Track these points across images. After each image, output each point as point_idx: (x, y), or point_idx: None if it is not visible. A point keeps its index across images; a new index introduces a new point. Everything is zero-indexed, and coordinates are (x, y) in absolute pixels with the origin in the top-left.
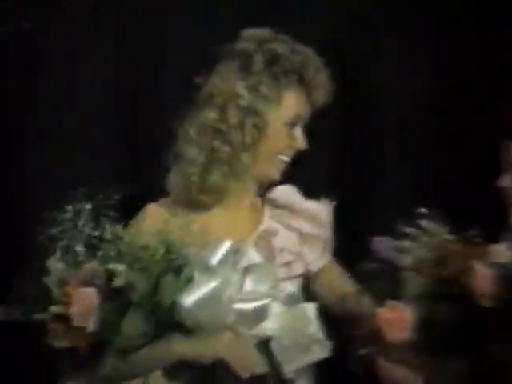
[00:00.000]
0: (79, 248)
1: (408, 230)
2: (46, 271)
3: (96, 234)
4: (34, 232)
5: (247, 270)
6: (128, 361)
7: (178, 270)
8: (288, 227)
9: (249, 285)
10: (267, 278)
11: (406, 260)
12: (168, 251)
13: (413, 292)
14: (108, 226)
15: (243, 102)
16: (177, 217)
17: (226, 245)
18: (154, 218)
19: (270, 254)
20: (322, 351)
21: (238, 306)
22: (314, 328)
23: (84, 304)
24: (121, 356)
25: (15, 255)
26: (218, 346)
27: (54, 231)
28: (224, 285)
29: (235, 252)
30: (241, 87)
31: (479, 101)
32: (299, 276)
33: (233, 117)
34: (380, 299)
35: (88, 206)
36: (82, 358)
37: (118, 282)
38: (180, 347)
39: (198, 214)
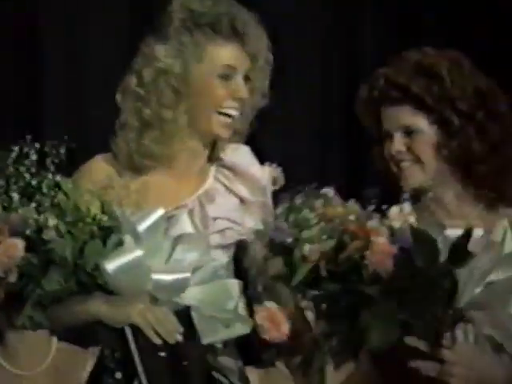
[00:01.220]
0: (15, 194)
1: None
2: None
3: (34, 182)
4: None
5: (178, 239)
6: (44, 313)
7: (106, 235)
8: (229, 190)
9: (178, 254)
10: (197, 248)
11: (303, 248)
12: (101, 212)
13: (300, 279)
14: (48, 176)
15: (159, 64)
16: (121, 176)
17: (159, 212)
18: (98, 172)
19: (203, 221)
20: (241, 328)
21: (158, 276)
22: (234, 304)
23: (7, 254)
24: (38, 309)
25: None
26: (132, 311)
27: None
28: (149, 253)
29: (168, 219)
30: (158, 49)
31: None
32: (240, 244)
33: (147, 79)
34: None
35: (33, 152)
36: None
37: (47, 236)
38: (96, 308)
39: (141, 176)
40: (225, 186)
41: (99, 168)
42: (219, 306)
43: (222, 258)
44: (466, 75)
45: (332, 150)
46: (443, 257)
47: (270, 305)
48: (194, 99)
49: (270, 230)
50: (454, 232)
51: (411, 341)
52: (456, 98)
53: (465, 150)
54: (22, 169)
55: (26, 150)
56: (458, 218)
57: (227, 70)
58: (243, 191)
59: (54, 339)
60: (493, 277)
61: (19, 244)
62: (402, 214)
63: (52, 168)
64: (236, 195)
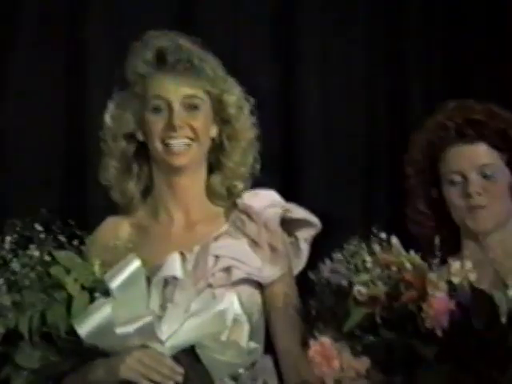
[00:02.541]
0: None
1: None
2: None
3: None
4: None
5: (167, 284)
6: None
7: (73, 297)
8: (242, 232)
9: (169, 298)
10: (188, 291)
11: (357, 290)
12: (87, 282)
13: (354, 322)
14: (22, 260)
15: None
16: (133, 226)
17: (135, 263)
18: (106, 233)
19: (202, 258)
20: (239, 357)
21: (121, 329)
22: (228, 334)
23: None
24: None
25: None
26: (121, 367)
27: None
28: (120, 308)
29: (155, 268)
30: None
31: None
32: (243, 283)
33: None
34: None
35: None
36: None
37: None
38: (94, 375)
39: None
40: (238, 228)
41: (103, 232)
42: (217, 338)
43: (229, 296)
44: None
45: (378, 191)
46: (504, 318)
47: (324, 340)
48: (146, 137)
49: (326, 272)
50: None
51: None
52: None
53: None
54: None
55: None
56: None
57: (158, 103)
58: (254, 233)
59: None
60: None
61: None
62: (463, 270)
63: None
64: (248, 236)
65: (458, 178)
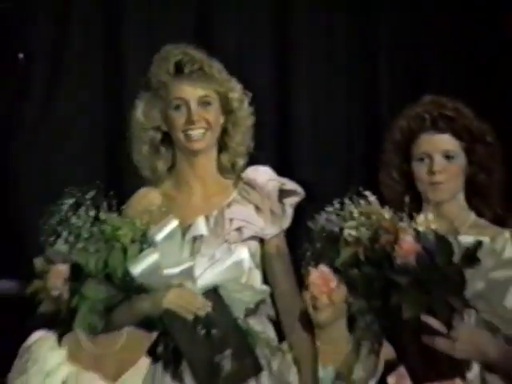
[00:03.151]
0: (64, 233)
1: (350, 210)
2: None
3: (76, 222)
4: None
5: (195, 240)
6: (105, 316)
7: (126, 249)
8: (248, 200)
9: (197, 250)
10: (211, 245)
11: (346, 234)
12: (135, 236)
13: (344, 259)
14: (90, 214)
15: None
16: (163, 197)
17: (172, 223)
18: (139, 201)
19: (219, 221)
20: (255, 296)
21: (167, 271)
22: (246, 278)
23: (58, 278)
24: (95, 314)
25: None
26: (164, 301)
27: (51, 221)
28: (163, 256)
29: (187, 227)
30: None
31: None
32: (251, 239)
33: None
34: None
35: (70, 202)
36: (63, 319)
37: (75, 255)
38: (140, 306)
39: (176, 196)
40: (244, 197)
41: (141, 200)
42: (236, 282)
43: (242, 250)
44: (479, 121)
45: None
46: (456, 259)
47: (323, 267)
48: (169, 129)
49: (321, 221)
50: (464, 238)
51: (428, 319)
52: (481, 134)
53: (482, 174)
54: (66, 213)
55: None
56: (460, 227)
57: (179, 102)
58: (257, 200)
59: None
60: (493, 276)
61: (65, 267)
62: (426, 221)
63: (104, 208)
64: (252, 203)
65: (425, 158)
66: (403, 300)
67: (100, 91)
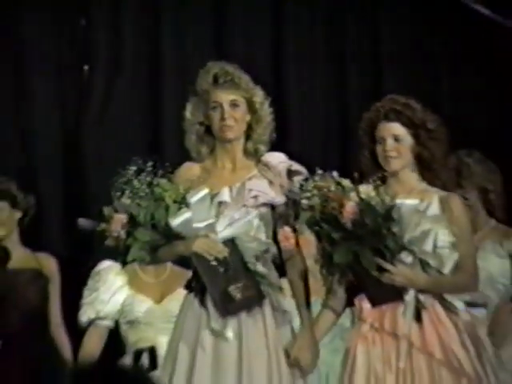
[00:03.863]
0: (128, 191)
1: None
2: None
3: (137, 184)
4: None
5: (220, 204)
6: (153, 253)
7: (169, 206)
8: (264, 176)
9: (221, 212)
10: (233, 209)
11: (304, 202)
12: (176, 198)
13: (302, 221)
14: (147, 179)
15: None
16: (202, 170)
17: (204, 190)
18: (184, 172)
19: (241, 192)
20: (260, 245)
21: (196, 224)
22: (254, 232)
23: (119, 223)
24: (145, 250)
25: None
26: (193, 245)
27: (119, 182)
28: (195, 214)
29: (214, 194)
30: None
31: None
32: (264, 205)
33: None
34: (286, 224)
35: (134, 168)
36: (123, 249)
37: (132, 209)
38: (177, 248)
39: (211, 170)
40: (261, 174)
41: (185, 171)
42: (249, 235)
43: (253, 212)
44: (426, 112)
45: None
46: (384, 218)
47: (286, 228)
48: (211, 124)
49: (288, 193)
50: (405, 201)
51: (378, 260)
52: (422, 122)
53: (428, 151)
54: (131, 178)
55: (139, 168)
56: (409, 192)
57: (215, 104)
58: (271, 177)
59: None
60: (422, 227)
61: (124, 217)
62: (367, 190)
63: (159, 175)
64: (267, 179)
65: (382, 141)
66: (334, 250)
67: (147, 96)
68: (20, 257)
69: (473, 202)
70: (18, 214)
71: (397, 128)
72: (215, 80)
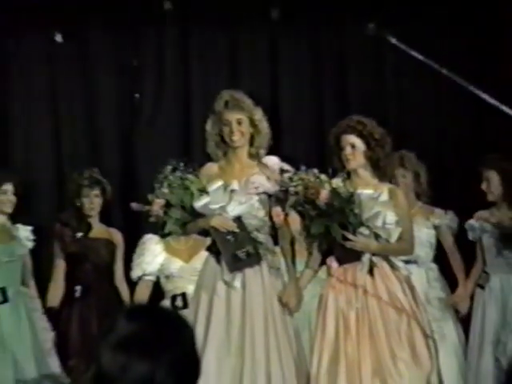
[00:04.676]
0: (165, 184)
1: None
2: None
3: (172, 178)
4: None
5: (231, 192)
6: (182, 227)
7: (193, 193)
8: (263, 173)
9: (232, 198)
10: (240, 196)
11: (291, 190)
12: (199, 187)
13: (290, 204)
14: (179, 175)
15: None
16: (219, 169)
17: (219, 182)
18: (206, 170)
19: (246, 184)
20: (260, 221)
21: (212, 206)
22: (256, 212)
23: (158, 206)
24: (177, 225)
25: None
26: (211, 221)
27: (159, 177)
28: (213, 199)
29: (227, 185)
30: (208, 120)
31: None
32: (263, 193)
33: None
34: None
35: (170, 167)
36: (161, 224)
37: (169, 198)
38: (200, 223)
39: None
40: (261, 171)
41: (206, 169)
42: (251, 214)
43: (254, 198)
44: (374, 126)
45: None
46: (348, 202)
47: (278, 208)
48: (225, 137)
49: (283, 183)
50: (363, 191)
51: (347, 235)
52: (373, 134)
53: (375, 154)
54: (168, 174)
55: (169, 168)
56: (366, 185)
57: (225, 122)
58: (268, 173)
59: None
60: (375, 209)
61: (162, 201)
62: (337, 182)
63: (188, 172)
64: (265, 175)
65: (343, 148)
66: (312, 224)
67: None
68: (98, 230)
69: (409, 181)
70: (102, 199)
71: (353, 139)
72: (226, 104)
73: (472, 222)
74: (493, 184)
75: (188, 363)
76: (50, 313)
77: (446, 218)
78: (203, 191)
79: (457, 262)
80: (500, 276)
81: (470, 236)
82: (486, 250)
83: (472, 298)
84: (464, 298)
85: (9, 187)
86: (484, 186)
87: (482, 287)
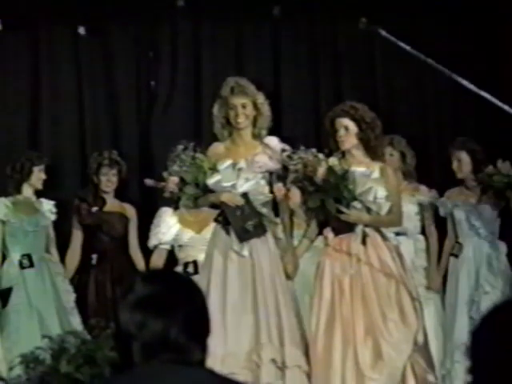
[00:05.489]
0: (178, 162)
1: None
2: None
3: (184, 157)
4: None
5: (239, 170)
6: (194, 202)
7: (206, 172)
8: (265, 153)
9: (239, 175)
10: (247, 173)
11: (291, 168)
12: (211, 166)
13: (291, 180)
14: (190, 154)
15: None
16: (225, 148)
17: (229, 161)
18: (213, 150)
19: (251, 162)
20: (264, 198)
21: (224, 183)
22: (262, 189)
23: (173, 183)
24: (190, 200)
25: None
26: (221, 197)
27: (172, 155)
28: (223, 177)
29: (235, 164)
30: (215, 104)
31: None
32: (266, 171)
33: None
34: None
35: (181, 147)
36: (175, 199)
37: (184, 175)
38: (211, 198)
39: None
40: (264, 151)
41: (213, 148)
42: (257, 190)
43: (259, 176)
44: (366, 111)
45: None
46: (342, 179)
47: (279, 184)
48: (230, 119)
49: (284, 161)
50: (357, 169)
51: (329, 205)
52: (364, 118)
53: (366, 136)
54: (180, 153)
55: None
56: (359, 163)
57: (231, 106)
58: (270, 153)
59: None
60: (367, 185)
61: (176, 178)
62: (333, 160)
63: (198, 151)
64: (267, 154)
65: (337, 130)
66: (309, 198)
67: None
68: (112, 205)
69: (395, 160)
70: (118, 178)
71: (346, 122)
72: (232, 90)
73: (443, 199)
74: (463, 163)
75: (199, 321)
76: (71, 280)
77: (429, 196)
78: (214, 169)
79: (433, 237)
80: (473, 245)
81: (442, 212)
82: (457, 222)
83: (447, 268)
84: (436, 279)
85: (42, 167)
86: (454, 166)
87: (456, 256)
